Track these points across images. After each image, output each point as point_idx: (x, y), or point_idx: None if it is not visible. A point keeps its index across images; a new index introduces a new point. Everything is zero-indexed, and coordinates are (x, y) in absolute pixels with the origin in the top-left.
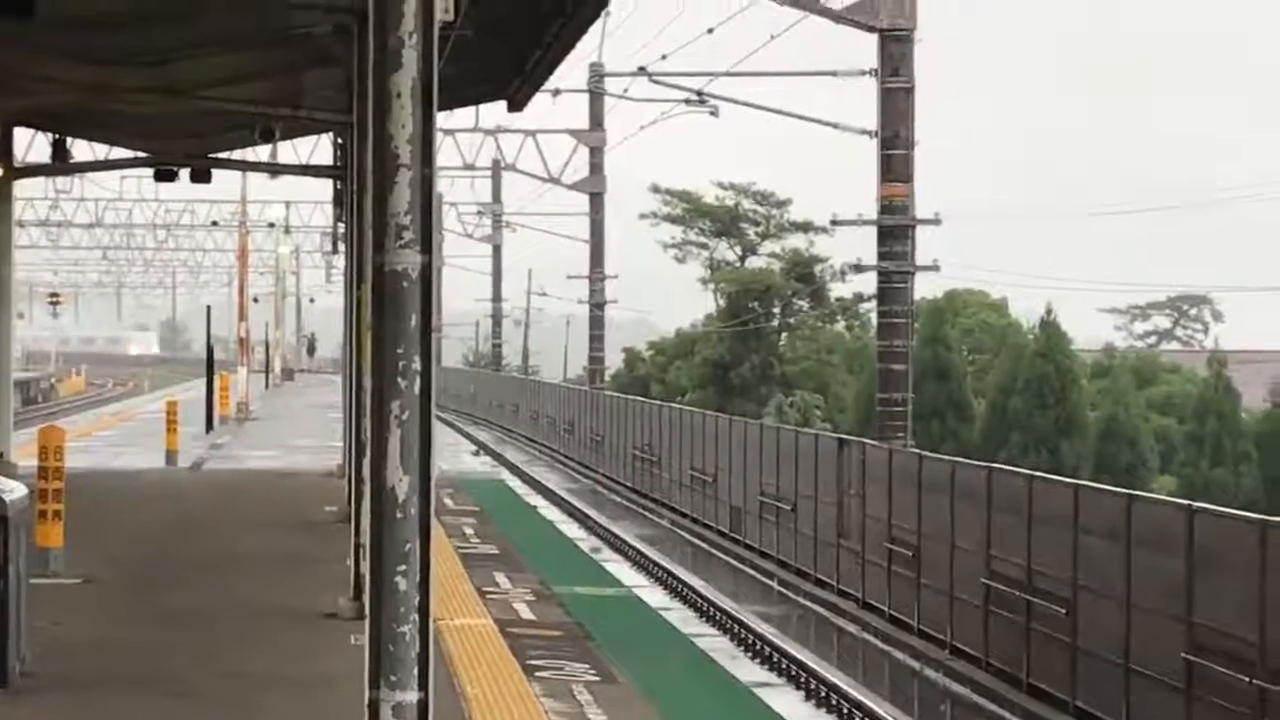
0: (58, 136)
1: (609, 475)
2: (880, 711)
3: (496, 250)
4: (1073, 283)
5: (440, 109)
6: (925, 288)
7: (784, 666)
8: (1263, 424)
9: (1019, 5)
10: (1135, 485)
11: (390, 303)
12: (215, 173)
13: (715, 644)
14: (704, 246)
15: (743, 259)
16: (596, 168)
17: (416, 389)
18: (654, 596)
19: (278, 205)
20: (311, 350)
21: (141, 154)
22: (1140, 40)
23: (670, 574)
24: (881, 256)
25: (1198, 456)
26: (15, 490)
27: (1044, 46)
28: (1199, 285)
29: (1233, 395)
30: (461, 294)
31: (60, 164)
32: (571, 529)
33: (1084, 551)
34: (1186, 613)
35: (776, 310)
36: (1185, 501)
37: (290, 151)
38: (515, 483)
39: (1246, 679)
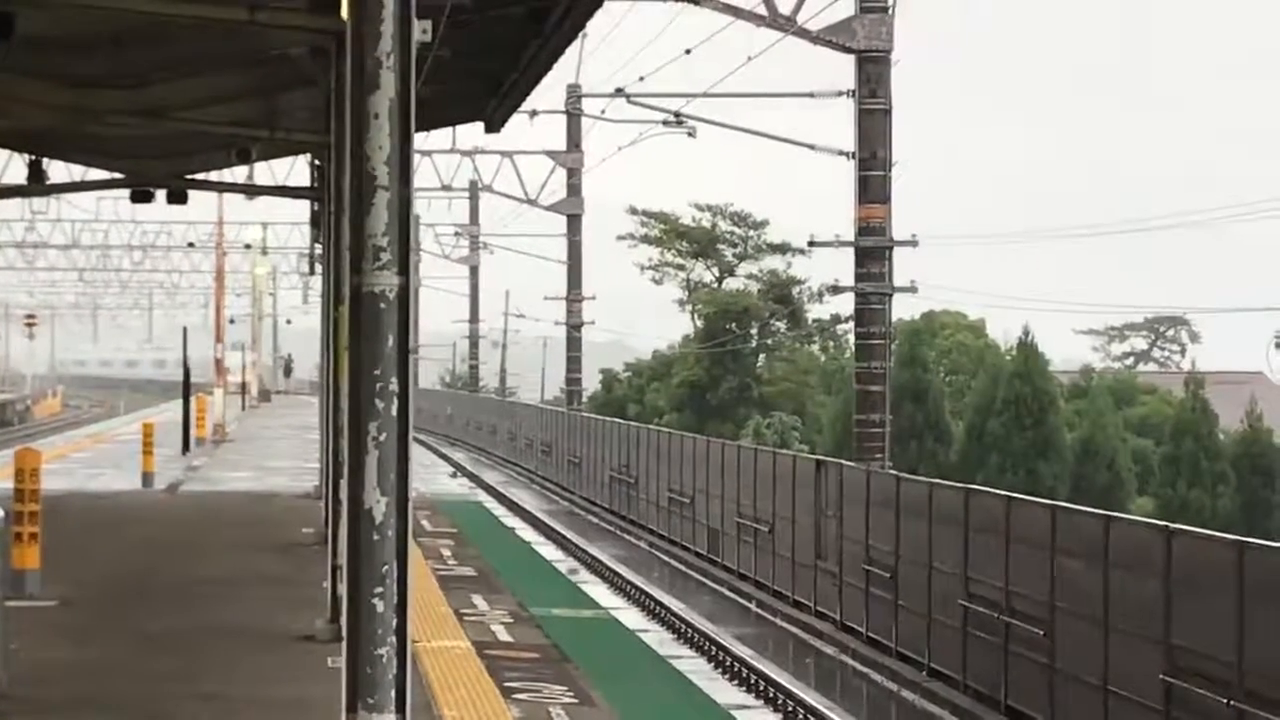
0: (34, 158)
1: (586, 497)
2: None
3: (474, 271)
4: (1050, 304)
5: (417, 130)
6: (903, 309)
7: (762, 688)
8: (1239, 445)
9: (996, 29)
10: (1113, 506)
11: (368, 324)
12: (192, 194)
13: (693, 666)
14: (681, 268)
15: (720, 280)
16: (574, 189)
17: (394, 410)
18: (632, 618)
19: (255, 226)
20: (288, 371)
21: (118, 175)
22: (1120, 58)
23: (648, 596)
24: (859, 278)
25: (1175, 478)
26: None
27: (1021, 70)
28: (1176, 306)
29: (1210, 416)
30: (439, 315)
31: (36, 185)
32: (549, 550)
33: (1062, 573)
34: (1164, 634)
35: (754, 331)
36: (1163, 523)
37: (267, 172)
38: (493, 504)
39: (1225, 700)
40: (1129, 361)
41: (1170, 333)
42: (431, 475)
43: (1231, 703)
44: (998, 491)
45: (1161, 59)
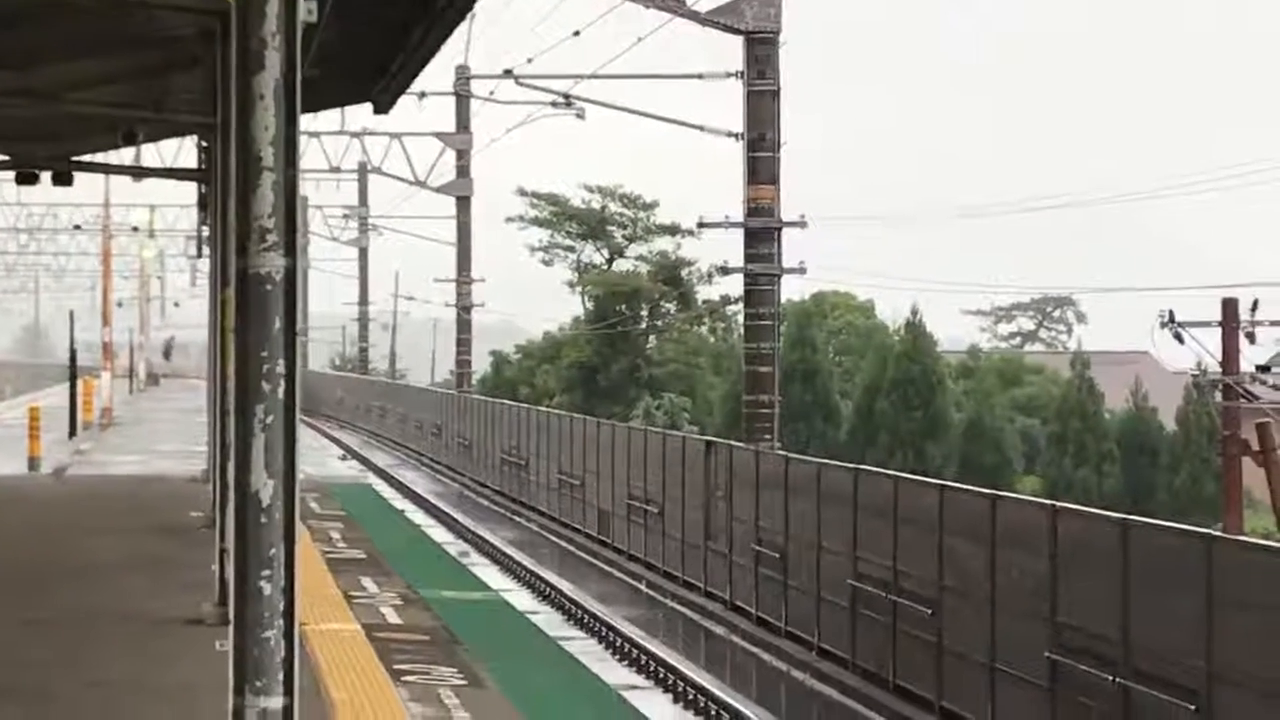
0: None
1: (477, 479)
2: (748, 713)
3: (363, 253)
4: (938, 284)
5: (304, 111)
6: (793, 289)
7: (652, 669)
8: (1125, 424)
9: (886, 8)
10: (1000, 486)
11: (254, 306)
12: (78, 176)
13: (584, 647)
14: (571, 249)
15: (610, 262)
16: (463, 171)
17: (281, 393)
18: (522, 600)
19: (142, 209)
20: (168, 354)
21: (2, 157)
22: (1007, 39)
23: (538, 578)
24: (748, 259)
25: (1061, 457)
26: None
27: (907, 47)
28: (1062, 286)
29: (1095, 396)
30: (328, 297)
31: None
32: (439, 533)
33: (949, 552)
34: (1050, 612)
35: (644, 313)
36: (1048, 501)
37: (155, 155)
38: (383, 487)
39: (1110, 677)
40: (1016, 342)
41: (1057, 313)
42: (321, 458)
43: (1117, 680)
44: (886, 471)
45: (1061, 36)
